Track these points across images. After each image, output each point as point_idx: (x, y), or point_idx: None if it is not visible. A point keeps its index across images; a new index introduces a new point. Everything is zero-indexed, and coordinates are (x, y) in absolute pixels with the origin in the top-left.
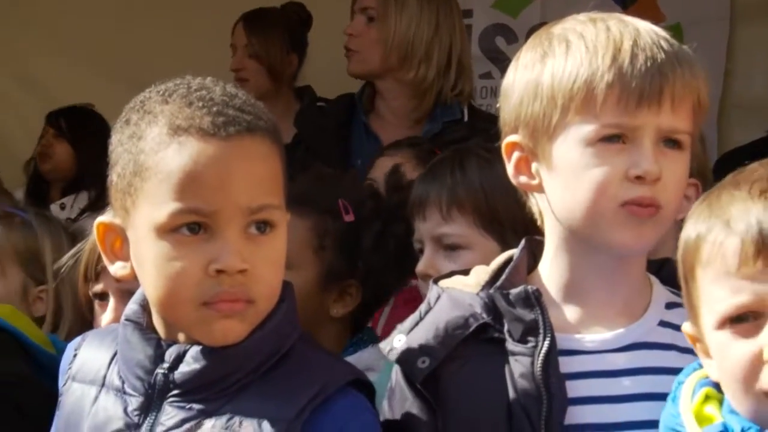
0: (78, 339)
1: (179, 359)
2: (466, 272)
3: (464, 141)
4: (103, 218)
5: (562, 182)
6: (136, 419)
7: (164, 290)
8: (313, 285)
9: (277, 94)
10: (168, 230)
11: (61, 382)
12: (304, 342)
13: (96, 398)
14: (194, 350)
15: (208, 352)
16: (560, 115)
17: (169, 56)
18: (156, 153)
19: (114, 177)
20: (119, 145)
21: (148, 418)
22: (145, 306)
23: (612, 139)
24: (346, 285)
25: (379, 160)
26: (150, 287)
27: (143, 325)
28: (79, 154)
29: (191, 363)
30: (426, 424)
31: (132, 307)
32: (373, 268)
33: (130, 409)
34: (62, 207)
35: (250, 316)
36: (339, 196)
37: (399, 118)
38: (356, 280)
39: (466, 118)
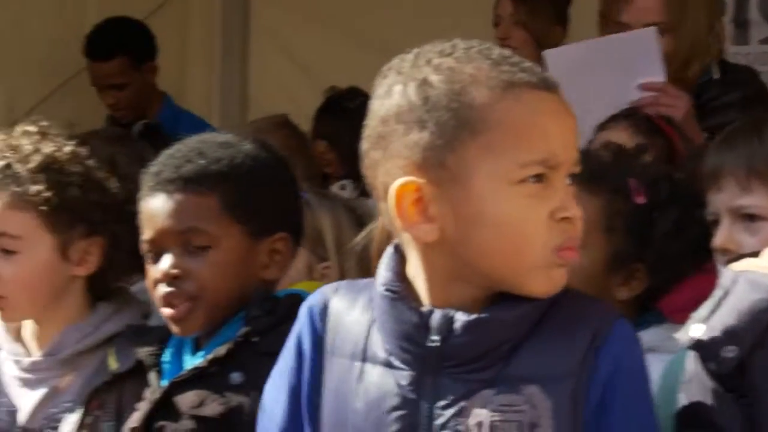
0: (313, 308)
1: (448, 327)
2: (754, 255)
3: (718, 99)
4: (406, 179)
5: None
6: (412, 394)
7: (514, 238)
8: (600, 266)
9: (541, 65)
10: (516, 181)
11: (312, 349)
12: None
13: (361, 374)
14: (463, 319)
15: (480, 319)
16: None
17: (425, 31)
18: (491, 106)
19: (425, 136)
20: (422, 105)
21: (425, 393)
22: (398, 273)
23: None
24: (633, 269)
25: (598, 135)
26: (488, 239)
27: (403, 293)
28: (344, 156)
29: (465, 333)
30: (730, 415)
31: (386, 275)
32: (667, 254)
33: (403, 383)
34: (343, 187)
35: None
36: (632, 176)
37: None
38: (644, 264)
39: (717, 76)
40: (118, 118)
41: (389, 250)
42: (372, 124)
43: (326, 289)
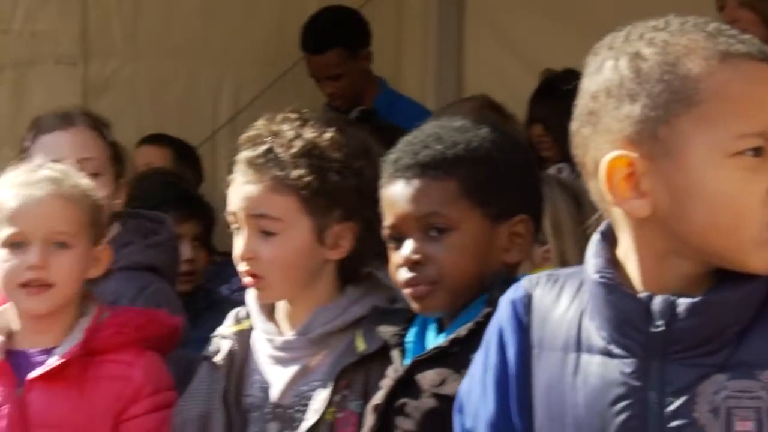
0: (516, 302)
1: (671, 311)
2: None
3: None
4: (618, 153)
5: None
6: (637, 382)
7: (729, 213)
8: None
9: None
10: (733, 153)
11: (517, 343)
12: None
13: (577, 365)
14: (687, 302)
15: (704, 301)
16: None
17: (641, 14)
18: (707, 77)
19: (637, 108)
20: (634, 78)
21: (652, 380)
22: (608, 259)
23: None
24: None
25: None
26: (703, 213)
27: (617, 279)
28: (560, 139)
29: (690, 317)
30: None
31: (597, 261)
32: None
33: (627, 371)
34: (560, 171)
35: None
36: None
37: None
38: None
39: None
40: (336, 107)
41: (596, 237)
42: (582, 102)
43: (526, 283)
